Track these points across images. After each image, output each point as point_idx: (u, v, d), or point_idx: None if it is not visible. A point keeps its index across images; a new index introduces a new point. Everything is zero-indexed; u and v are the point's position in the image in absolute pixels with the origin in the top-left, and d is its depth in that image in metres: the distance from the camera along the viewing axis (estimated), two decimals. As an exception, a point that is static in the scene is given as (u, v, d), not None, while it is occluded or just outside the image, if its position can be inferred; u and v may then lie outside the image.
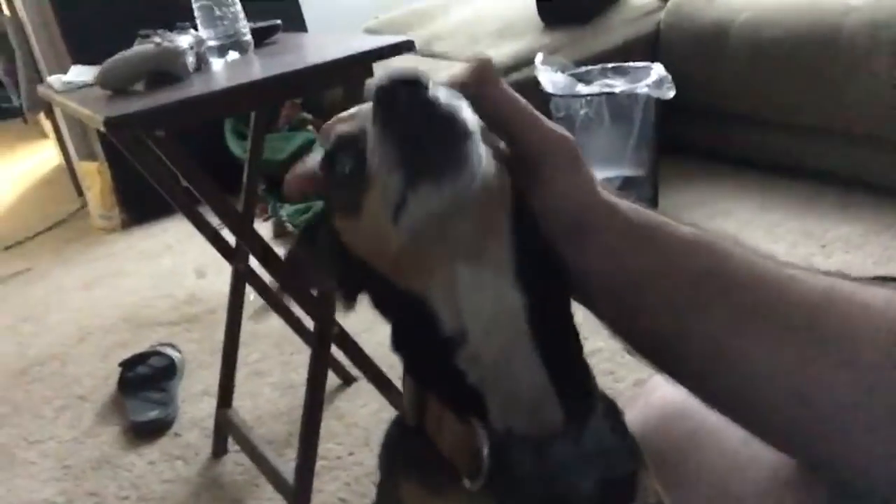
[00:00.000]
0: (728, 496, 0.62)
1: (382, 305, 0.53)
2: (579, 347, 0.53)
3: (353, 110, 0.51)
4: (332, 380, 1.91)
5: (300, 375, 1.97)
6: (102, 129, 1.15)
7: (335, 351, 1.56)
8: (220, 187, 1.38)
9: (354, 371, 1.87)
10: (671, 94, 2.32)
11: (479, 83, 0.49)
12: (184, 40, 1.39)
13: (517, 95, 0.50)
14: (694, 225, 0.52)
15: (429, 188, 0.43)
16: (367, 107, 0.47)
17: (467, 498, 0.49)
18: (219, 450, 1.84)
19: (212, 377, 1.93)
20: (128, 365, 2.13)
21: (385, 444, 0.58)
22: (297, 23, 3.45)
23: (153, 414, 1.98)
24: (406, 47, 1.32)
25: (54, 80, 1.55)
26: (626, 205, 0.51)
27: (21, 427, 2.13)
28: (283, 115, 3.33)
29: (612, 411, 0.54)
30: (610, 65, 2.52)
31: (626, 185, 2.39)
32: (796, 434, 0.49)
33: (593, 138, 2.38)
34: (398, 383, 1.71)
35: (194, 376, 2.17)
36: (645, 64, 2.45)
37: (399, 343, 0.53)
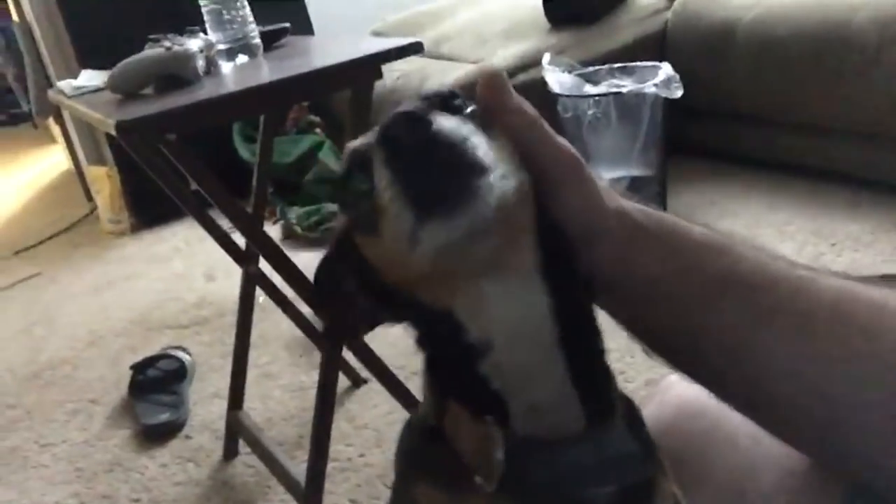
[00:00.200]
0: (743, 496, 0.62)
1: (406, 315, 0.52)
2: (602, 349, 0.52)
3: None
4: (343, 382, 1.92)
5: (310, 377, 1.98)
6: (114, 132, 1.15)
7: (345, 353, 1.56)
8: (228, 191, 1.39)
9: (365, 373, 1.87)
10: (679, 93, 2.32)
11: (491, 96, 0.49)
12: (193, 44, 1.39)
13: (528, 107, 0.50)
14: (705, 225, 0.52)
15: (440, 224, 0.42)
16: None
17: (485, 502, 0.49)
18: (230, 452, 1.85)
19: (222, 380, 1.94)
20: (138, 368, 2.14)
21: (400, 446, 0.58)
22: (303, 26, 3.45)
23: (164, 417, 1.99)
24: (414, 49, 1.32)
25: (65, 84, 1.56)
26: (635, 208, 0.51)
27: (33, 430, 2.14)
28: (290, 119, 3.34)
29: (632, 413, 0.54)
30: (617, 65, 2.51)
31: (634, 186, 2.39)
32: (816, 431, 0.49)
33: (601, 138, 2.38)
34: (408, 385, 1.72)
35: (205, 379, 2.18)
36: (652, 63, 2.45)
37: (421, 346, 0.53)
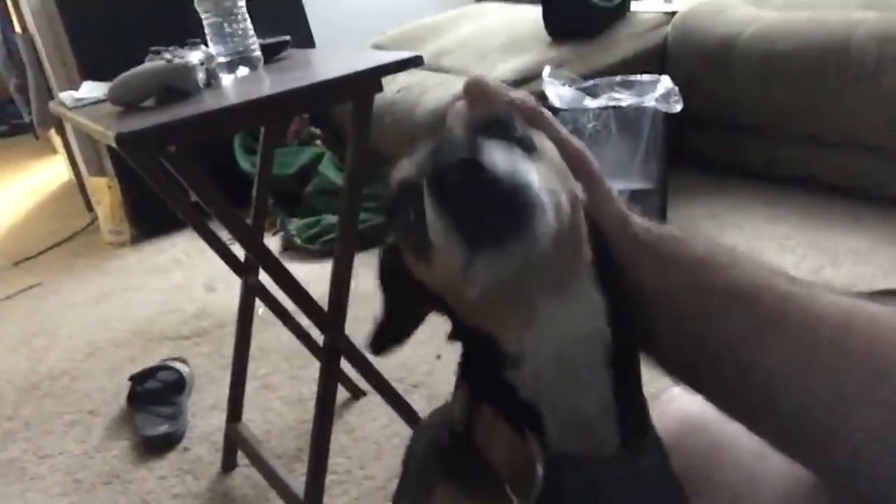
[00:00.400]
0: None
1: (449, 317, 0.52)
2: (640, 373, 0.52)
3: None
4: (342, 394, 1.91)
5: (310, 389, 1.98)
6: (114, 144, 1.15)
7: (344, 365, 1.56)
8: (228, 202, 1.38)
9: (364, 385, 1.87)
10: (678, 107, 2.32)
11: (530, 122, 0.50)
12: (194, 56, 1.40)
13: (553, 120, 0.52)
14: (706, 239, 0.52)
15: (493, 260, 0.42)
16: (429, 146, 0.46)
17: None
18: (228, 464, 1.84)
19: (221, 391, 1.93)
20: (137, 379, 2.13)
21: (415, 449, 0.57)
22: (304, 39, 3.47)
23: (163, 428, 1.99)
24: (414, 63, 1.33)
25: (66, 96, 1.56)
26: (636, 220, 0.51)
27: (31, 441, 2.13)
28: (291, 130, 3.34)
29: (660, 445, 0.54)
30: (617, 78, 2.52)
31: (635, 198, 2.39)
32: (819, 442, 0.49)
33: (601, 152, 2.39)
34: (407, 397, 1.71)
35: (204, 390, 2.17)
36: (652, 77, 2.46)
37: (464, 358, 0.52)
